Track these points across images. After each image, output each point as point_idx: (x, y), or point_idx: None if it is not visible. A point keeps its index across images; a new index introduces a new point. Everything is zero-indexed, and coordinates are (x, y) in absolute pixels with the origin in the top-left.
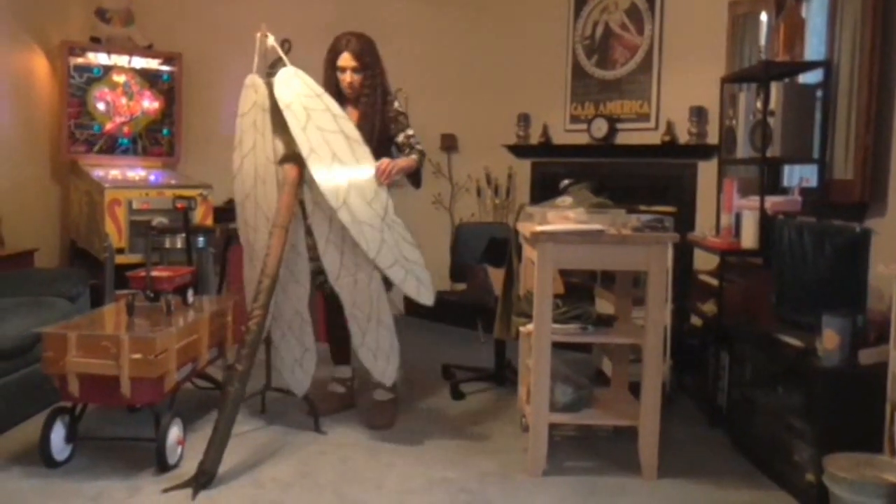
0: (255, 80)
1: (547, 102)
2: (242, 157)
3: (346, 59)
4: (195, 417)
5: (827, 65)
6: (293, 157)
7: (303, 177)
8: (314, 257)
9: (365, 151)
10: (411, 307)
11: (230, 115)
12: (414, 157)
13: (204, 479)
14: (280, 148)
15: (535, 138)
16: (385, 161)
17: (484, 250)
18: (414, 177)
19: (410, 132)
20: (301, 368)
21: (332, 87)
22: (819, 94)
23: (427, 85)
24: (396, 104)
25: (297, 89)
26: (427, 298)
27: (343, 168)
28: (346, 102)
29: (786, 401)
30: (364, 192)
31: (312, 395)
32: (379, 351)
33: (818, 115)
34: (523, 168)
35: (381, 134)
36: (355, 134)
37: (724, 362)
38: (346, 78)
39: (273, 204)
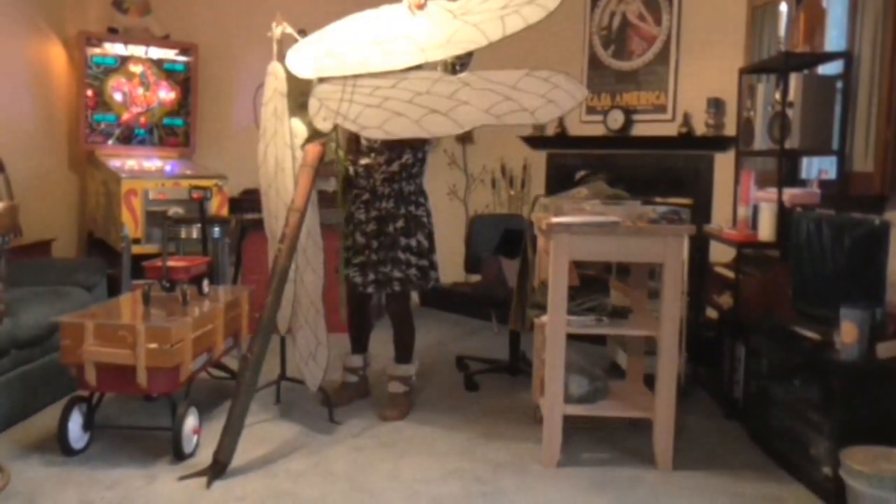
0: (275, 67)
1: None
2: (266, 146)
3: None
4: (211, 407)
5: (847, 56)
6: (314, 135)
7: (324, 155)
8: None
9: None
10: (426, 299)
11: (246, 105)
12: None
13: (219, 468)
14: (298, 130)
15: (550, 130)
16: None
17: (499, 242)
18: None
19: None
20: (315, 362)
21: None
22: (839, 85)
23: None
24: None
25: (309, 53)
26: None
27: (395, 44)
28: None
29: (803, 394)
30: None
31: (327, 386)
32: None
33: (838, 107)
34: (538, 159)
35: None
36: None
37: (740, 355)
38: None
39: (290, 190)
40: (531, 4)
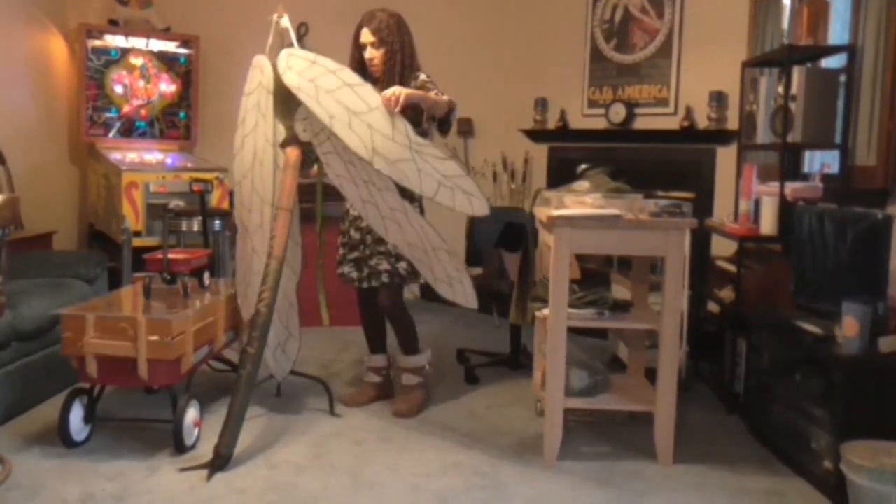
0: (262, 61)
1: (565, 87)
2: (244, 137)
3: (365, 35)
4: (212, 399)
5: (851, 49)
6: (294, 139)
7: (305, 158)
8: (355, 248)
9: (368, 90)
10: (427, 292)
11: None
12: (446, 97)
13: (220, 461)
14: (282, 130)
15: (552, 123)
16: (389, 90)
17: (500, 235)
18: (442, 123)
19: (432, 89)
20: (283, 353)
21: (356, 63)
22: (842, 78)
23: (443, 69)
24: (423, 76)
25: (298, 67)
26: (481, 208)
27: (359, 118)
28: (374, 83)
29: (804, 388)
30: (383, 129)
31: (336, 382)
32: (452, 279)
33: (841, 101)
34: (540, 153)
35: (408, 113)
36: (355, 78)
37: (742, 349)
38: (367, 54)
39: (268, 185)
40: (468, 195)
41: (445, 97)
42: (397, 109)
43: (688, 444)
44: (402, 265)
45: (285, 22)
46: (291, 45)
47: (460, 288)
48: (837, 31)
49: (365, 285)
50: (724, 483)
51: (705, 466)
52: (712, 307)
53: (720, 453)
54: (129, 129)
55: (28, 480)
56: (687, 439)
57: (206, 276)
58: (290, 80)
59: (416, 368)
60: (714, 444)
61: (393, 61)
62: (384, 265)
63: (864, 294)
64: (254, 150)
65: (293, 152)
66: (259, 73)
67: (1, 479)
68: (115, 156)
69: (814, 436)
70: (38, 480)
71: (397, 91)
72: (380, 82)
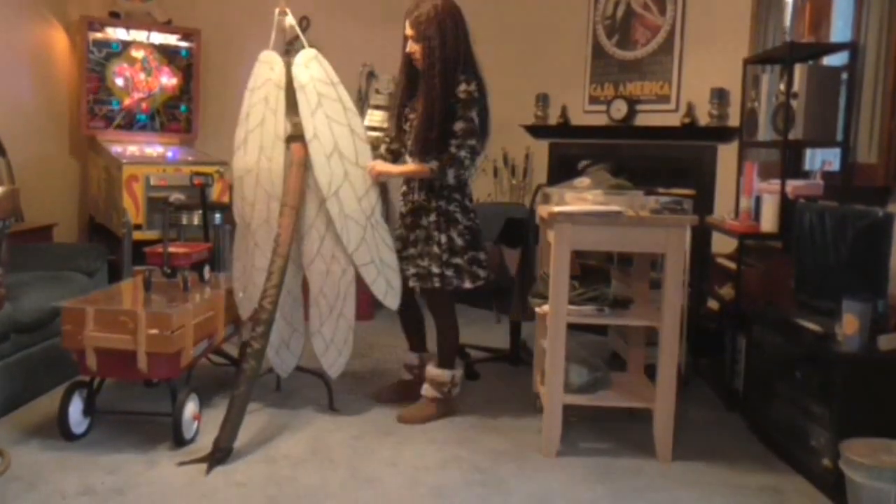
0: (271, 57)
1: (566, 83)
2: (247, 132)
3: (406, 27)
4: (211, 393)
5: (853, 47)
6: (300, 137)
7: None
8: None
9: (366, 149)
10: None
11: None
12: (428, 165)
13: (219, 454)
14: (290, 128)
15: (553, 119)
16: (377, 163)
17: (500, 231)
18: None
19: (460, 126)
20: (288, 349)
21: (404, 58)
22: (844, 76)
23: None
24: (465, 85)
25: (315, 73)
26: (392, 303)
27: (341, 161)
28: (418, 77)
29: (803, 385)
30: (356, 188)
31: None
32: (332, 343)
33: (842, 98)
34: (541, 149)
35: (443, 121)
36: (361, 131)
37: (742, 346)
38: (408, 47)
39: (276, 181)
40: (388, 287)
41: (451, 150)
42: (374, 179)
43: (687, 440)
44: (449, 271)
45: (290, 19)
46: (300, 40)
47: (334, 356)
48: (839, 28)
49: (411, 284)
50: (723, 480)
51: (704, 463)
52: (712, 304)
53: (719, 450)
54: (130, 122)
55: (27, 473)
56: (686, 436)
57: (207, 269)
58: (300, 76)
59: (439, 383)
60: (713, 441)
61: (432, 59)
62: (434, 268)
63: (865, 292)
64: (260, 145)
65: (299, 150)
66: (268, 70)
67: (0, 471)
68: (116, 149)
69: (813, 433)
70: (37, 473)
71: (377, 167)
72: (422, 78)
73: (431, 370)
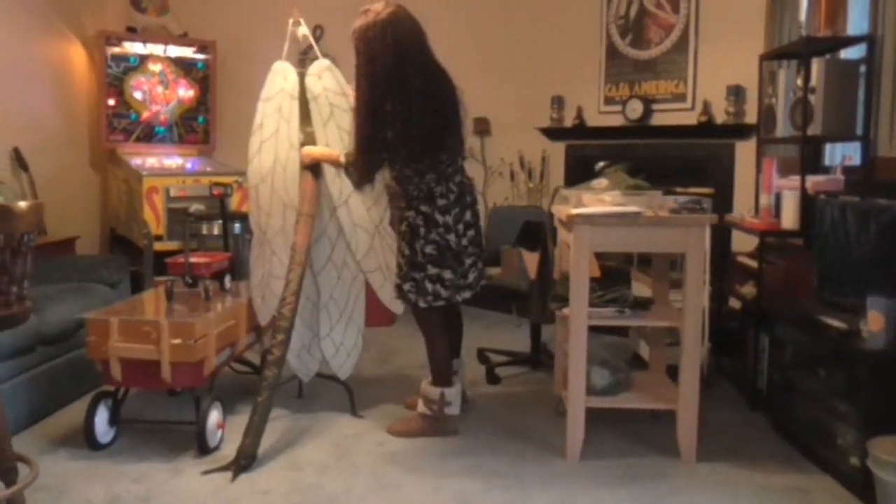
0: (284, 67)
1: (581, 84)
2: (262, 142)
3: None
4: (234, 401)
5: (870, 39)
6: (308, 144)
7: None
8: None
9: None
10: None
11: None
12: (340, 155)
13: (244, 461)
14: (303, 137)
15: (568, 121)
16: (308, 146)
17: (518, 234)
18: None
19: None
20: (309, 353)
21: None
22: (862, 69)
23: (459, 68)
24: (388, 106)
25: (328, 84)
26: (398, 308)
27: None
28: None
29: (828, 384)
30: (365, 198)
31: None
32: (342, 346)
33: (861, 92)
34: (557, 151)
35: (371, 137)
36: None
37: (765, 345)
38: None
39: (292, 190)
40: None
41: (339, 155)
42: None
43: (711, 441)
44: (407, 284)
45: (303, 29)
46: (314, 50)
47: (343, 359)
48: (856, 20)
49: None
50: (749, 481)
51: (729, 464)
52: (734, 303)
53: (744, 451)
54: (149, 135)
55: (54, 482)
56: (710, 437)
57: (227, 278)
58: (313, 86)
59: (427, 399)
60: (738, 441)
61: (358, 74)
62: (396, 279)
63: (889, 287)
64: (274, 154)
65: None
66: (282, 80)
67: (28, 480)
68: (136, 161)
69: (839, 432)
70: (64, 482)
71: (304, 148)
72: None
73: (423, 384)
